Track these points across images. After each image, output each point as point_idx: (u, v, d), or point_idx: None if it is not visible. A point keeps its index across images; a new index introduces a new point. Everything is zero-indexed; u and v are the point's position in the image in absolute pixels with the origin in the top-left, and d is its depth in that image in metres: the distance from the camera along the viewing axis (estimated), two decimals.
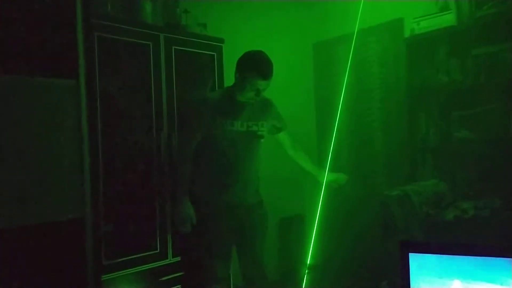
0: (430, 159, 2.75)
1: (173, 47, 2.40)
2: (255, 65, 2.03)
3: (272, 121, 2.28)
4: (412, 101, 2.80)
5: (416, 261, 1.13)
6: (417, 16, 2.73)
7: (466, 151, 2.49)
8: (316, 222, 2.07)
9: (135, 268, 2.22)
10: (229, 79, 2.29)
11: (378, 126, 3.19)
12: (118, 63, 2.28)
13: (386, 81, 3.16)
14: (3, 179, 1.44)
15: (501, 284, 1.16)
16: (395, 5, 3.01)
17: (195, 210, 2.09)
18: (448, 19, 2.57)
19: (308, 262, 2.10)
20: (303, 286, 2.19)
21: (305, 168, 2.37)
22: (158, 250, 2.32)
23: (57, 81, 1.58)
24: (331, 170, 2.34)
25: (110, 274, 2.12)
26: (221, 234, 2.13)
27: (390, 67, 3.12)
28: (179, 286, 2.38)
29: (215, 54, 2.59)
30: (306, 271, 2.16)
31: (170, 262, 2.35)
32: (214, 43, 2.59)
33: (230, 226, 2.16)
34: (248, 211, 2.19)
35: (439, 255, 1.11)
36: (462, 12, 2.55)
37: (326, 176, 2.28)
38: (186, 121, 2.20)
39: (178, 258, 2.39)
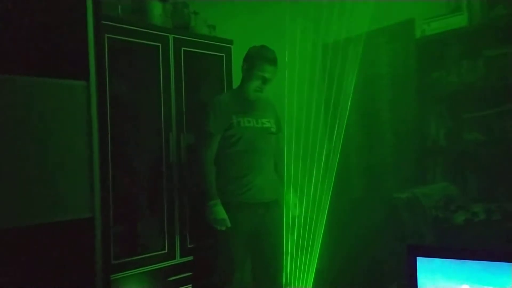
0: (440, 161, 2.72)
1: (182, 49, 2.42)
2: (260, 52, 2.17)
3: (275, 120, 2.30)
4: (422, 103, 2.77)
5: (424, 265, 1.11)
6: (428, 17, 2.71)
7: (477, 153, 2.46)
8: (324, 224, 2.06)
9: (144, 268, 2.24)
10: (238, 80, 2.30)
11: (388, 127, 3.17)
12: (127, 64, 2.30)
13: (396, 82, 3.13)
14: (14, 178, 1.47)
15: None
16: (406, 6, 2.98)
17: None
18: (460, 20, 2.54)
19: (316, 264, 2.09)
20: None
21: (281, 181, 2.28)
22: (166, 251, 2.33)
23: (68, 82, 1.61)
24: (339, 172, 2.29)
25: (119, 274, 2.14)
26: (241, 234, 2.12)
27: (400, 68, 3.09)
28: (190, 286, 2.39)
29: (224, 55, 2.60)
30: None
31: (178, 262, 2.37)
32: (223, 44, 2.61)
33: (251, 225, 2.15)
34: (266, 208, 2.17)
35: (447, 259, 1.10)
36: (473, 13, 2.52)
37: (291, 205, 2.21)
38: (202, 126, 2.18)
39: (186, 259, 2.40)
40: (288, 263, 2.08)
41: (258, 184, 2.14)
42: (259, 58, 2.14)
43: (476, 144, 2.46)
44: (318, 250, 2.07)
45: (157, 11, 2.38)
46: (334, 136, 2.30)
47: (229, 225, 2.07)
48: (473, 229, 2.05)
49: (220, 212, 2.07)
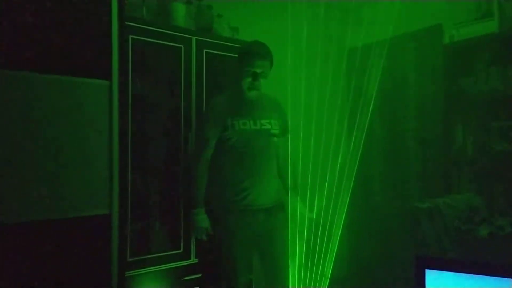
0: (466, 171, 2.63)
1: (204, 50, 2.44)
2: (249, 47, 2.09)
3: (280, 121, 2.19)
4: (449, 110, 2.69)
5: (432, 278, 1.06)
6: (457, 22, 2.63)
7: (505, 163, 2.36)
8: (340, 230, 2.02)
9: (159, 266, 2.26)
10: None
11: (413, 135, 3.08)
12: (150, 64, 2.34)
13: (422, 89, 3.05)
14: (33, 173, 1.51)
15: None
16: (435, 10, 2.91)
17: (211, 219, 2.10)
18: (490, 25, 2.46)
19: (329, 272, 2.05)
20: None
21: (285, 187, 2.25)
22: (182, 250, 2.34)
23: (91, 81, 1.65)
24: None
25: (134, 271, 2.16)
26: (240, 241, 2.06)
27: (427, 74, 3.01)
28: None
29: None
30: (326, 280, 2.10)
31: (193, 262, 2.38)
32: None
33: (250, 232, 2.08)
34: (267, 214, 2.09)
35: (457, 273, 1.04)
36: (505, 18, 2.42)
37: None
38: (199, 130, 2.15)
39: None
40: (297, 269, 2.04)
41: (257, 189, 2.05)
42: (247, 53, 2.04)
43: (505, 154, 2.36)
44: (334, 256, 2.03)
45: (180, 13, 2.41)
46: (352, 140, 2.24)
47: (210, 232, 2.09)
48: (498, 243, 1.96)
49: (202, 221, 2.07)
